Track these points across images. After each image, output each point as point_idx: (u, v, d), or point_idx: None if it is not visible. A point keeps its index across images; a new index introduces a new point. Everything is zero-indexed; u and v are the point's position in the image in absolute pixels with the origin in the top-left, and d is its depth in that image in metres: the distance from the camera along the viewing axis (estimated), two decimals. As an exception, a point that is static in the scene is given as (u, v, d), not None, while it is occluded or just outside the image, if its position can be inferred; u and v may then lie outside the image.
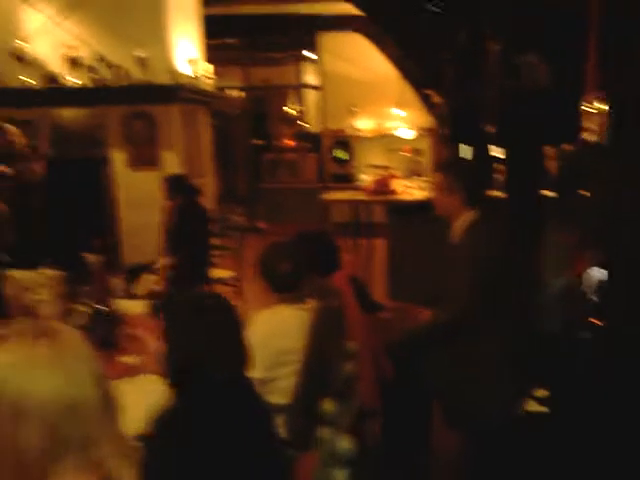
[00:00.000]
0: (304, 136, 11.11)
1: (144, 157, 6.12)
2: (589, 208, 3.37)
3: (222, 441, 1.39)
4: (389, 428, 2.70)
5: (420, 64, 6.82)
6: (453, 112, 5.53)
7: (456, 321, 2.70)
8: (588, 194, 3.38)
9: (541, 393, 3.05)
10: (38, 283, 2.52)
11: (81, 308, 2.84)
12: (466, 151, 4.90)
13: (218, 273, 5.26)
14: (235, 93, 10.92)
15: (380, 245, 5.93)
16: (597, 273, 3.26)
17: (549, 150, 3.77)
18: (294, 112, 11.98)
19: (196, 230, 4.81)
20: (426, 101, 8.83)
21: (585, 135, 3.39)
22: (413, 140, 9.39)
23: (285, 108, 12.07)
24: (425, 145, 9.40)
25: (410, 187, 5.87)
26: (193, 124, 6.55)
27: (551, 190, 4.21)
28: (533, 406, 2.99)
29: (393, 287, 5.33)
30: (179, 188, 4.78)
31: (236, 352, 1.54)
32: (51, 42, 5.89)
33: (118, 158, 6.11)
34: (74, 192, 5.80)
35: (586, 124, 3.38)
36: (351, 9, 7.09)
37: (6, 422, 0.98)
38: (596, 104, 3.28)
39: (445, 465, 3.06)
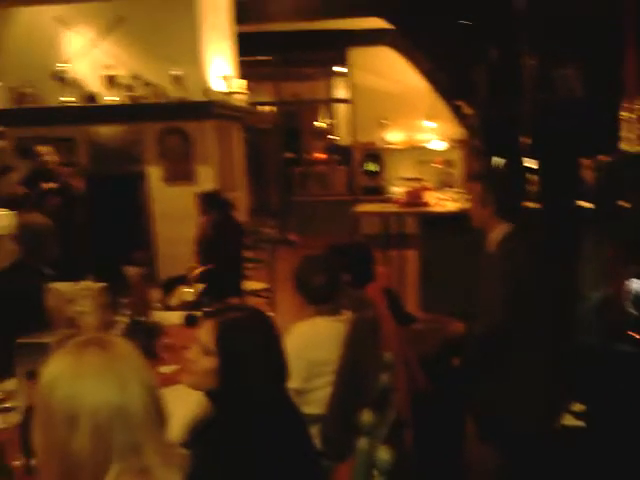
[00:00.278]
0: (335, 149, 11.20)
1: (179, 172, 6.24)
2: (628, 219, 3.32)
3: (262, 452, 1.42)
4: (421, 440, 2.69)
5: (451, 76, 6.83)
6: (486, 124, 5.52)
7: (491, 333, 2.68)
8: (627, 205, 3.33)
9: (578, 407, 3.01)
10: (80, 295, 2.59)
11: (121, 319, 2.93)
12: (499, 163, 4.89)
13: (251, 285, 5.32)
14: (267, 108, 11.07)
15: (411, 257, 5.93)
16: (636, 285, 3.21)
17: (586, 161, 3.73)
18: (325, 126, 12.08)
19: (230, 243, 4.89)
20: (457, 113, 8.82)
21: (623, 145, 3.35)
22: (444, 152, 9.38)
23: (316, 122, 12.18)
24: (456, 157, 9.37)
25: (442, 199, 5.85)
26: (226, 139, 6.67)
27: (588, 201, 4.16)
28: (570, 420, 2.94)
29: (425, 299, 5.32)
30: (213, 203, 4.87)
31: (277, 364, 1.57)
32: (90, 63, 6.10)
33: (154, 173, 6.25)
34: (112, 207, 5.96)
35: (624, 133, 3.34)
36: (381, 23, 7.17)
37: (59, 427, 1.02)
38: (636, 112, 3.24)
39: (479, 479, 3.03)
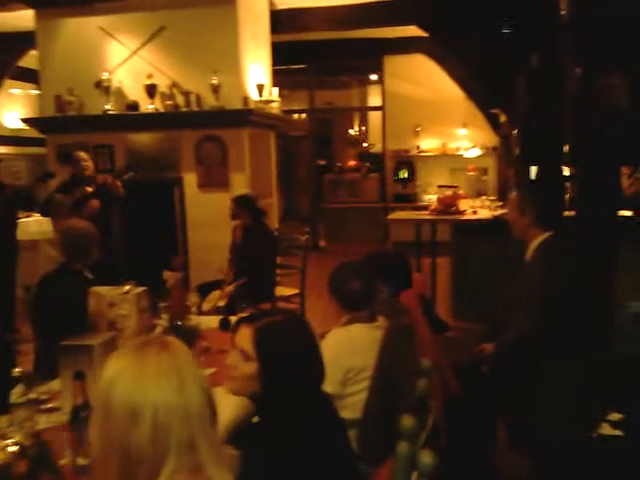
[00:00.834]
0: (367, 157, 11.23)
1: (214, 179, 6.34)
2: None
3: (305, 454, 1.45)
4: (454, 446, 2.69)
5: (487, 84, 6.80)
6: (524, 132, 5.48)
7: (525, 340, 2.67)
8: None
9: (616, 416, 2.96)
10: (121, 299, 2.67)
11: (160, 323, 3.00)
12: (537, 171, 4.86)
13: (282, 291, 5.36)
14: (300, 116, 11.17)
15: (443, 264, 5.90)
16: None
17: (625, 169, 3.69)
18: (357, 133, 12.12)
19: (261, 249, 4.93)
20: (492, 121, 8.77)
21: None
22: (477, 159, 9.33)
23: (349, 130, 12.23)
24: (490, 164, 9.31)
25: (476, 206, 5.82)
26: (260, 146, 6.75)
27: (627, 209, 4.10)
28: (607, 429, 2.91)
29: (456, 306, 5.30)
30: (246, 208, 4.92)
31: (315, 367, 1.60)
32: (131, 72, 6.25)
33: (189, 180, 6.36)
34: (148, 212, 6.09)
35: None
36: (417, 31, 7.17)
37: (119, 425, 1.07)
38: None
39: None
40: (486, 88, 7.37)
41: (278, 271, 5.34)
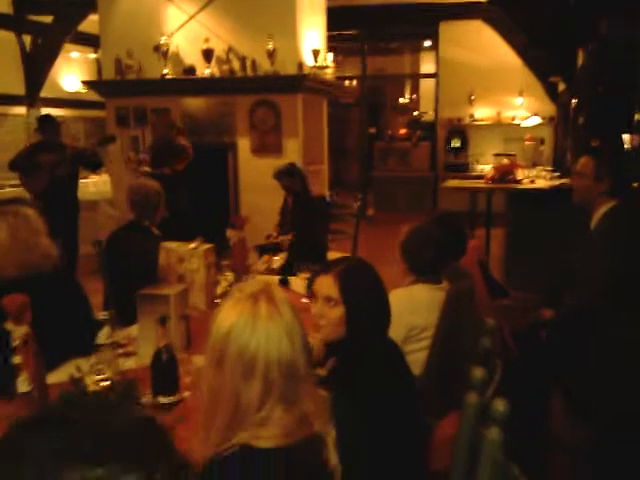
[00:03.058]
0: (418, 125, 11.09)
1: (268, 144, 6.40)
2: None
3: (387, 394, 1.53)
4: (510, 411, 2.73)
5: (547, 51, 6.60)
6: (589, 101, 5.32)
7: (587, 309, 2.67)
8: None
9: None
10: (190, 254, 2.78)
11: (226, 278, 3.11)
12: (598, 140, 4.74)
13: (333, 256, 5.43)
14: (352, 82, 11.07)
15: (496, 235, 5.86)
16: None
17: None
18: (408, 101, 11.96)
19: (312, 214, 5.00)
20: (550, 89, 8.53)
21: None
22: (533, 129, 9.12)
23: (400, 98, 12.07)
24: (546, 134, 9.09)
25: (532, 176, 5.73)
26: (313, 113, 6.77)
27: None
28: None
29: (510, 276, 5.27)
30: (292, 176, 4.98)
31: (387, 315, 1.68)
32: (189, 36, 6.32)
33: (244, 145, 6.44)
34: (205, 176, 6.21)
35: None
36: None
37: (233, 377, 1.13)
38: None
39: (567, 453, 3.03)
40: (546, 55, 7.16)
41: (331, 237, 5.41)
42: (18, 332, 1.62)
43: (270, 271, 4.64)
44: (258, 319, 1.13)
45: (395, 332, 2.17)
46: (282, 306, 1.17)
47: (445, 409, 2.06)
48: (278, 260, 4.87)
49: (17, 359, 1.55)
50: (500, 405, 1.31)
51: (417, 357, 2.32)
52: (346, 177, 12.31)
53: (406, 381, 1.69)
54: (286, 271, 4.01)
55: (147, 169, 5.22)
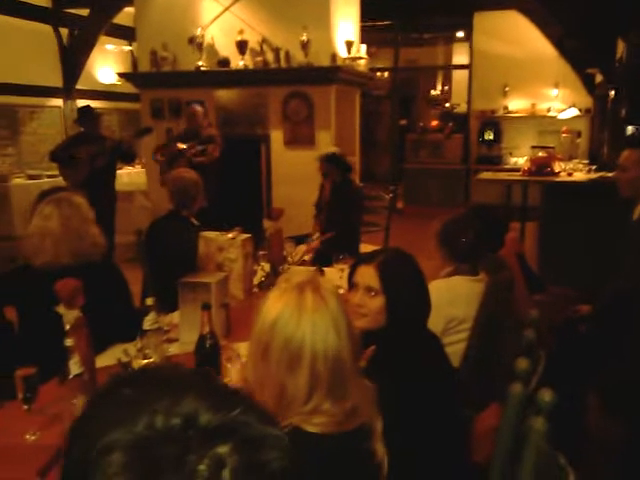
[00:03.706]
0: (451, 117, 10.98)
1: (300, 136, 6.42)
2: None
3: (428, 383, 1.54)
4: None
5: (584, 42, 6.47)
6: (629, 92, 5.20)
7: (627, 303, 2.63)
8: None
9: None
10: (229, 244, 2.82)
11: (262, 268, 3.15)
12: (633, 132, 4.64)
13: (365, 248, 5.44)
14: (384, 74, 11.02)
15: (531, 228, 5.79)
16: None
17: None
18: (441, 93, 11.85)
19: (350, 206, 5.00)
20: (586, 81, 8.37)
21: None
22: (568, 121, 8.96)
23: (432, 89, 11.97)
24: (583, 126, 8.93)
25: (569, 169, 5.63)
26: (346, 104, 6.76)
27: None
28: None
29: (545, 269, 5.21)
30: (335, 165, 4.98)
31: (427, 305, 1.70)
32: (223, 28, 6.36)
33: (276, 136, 6.47)
34: (238, 168, 6.27)
35: None
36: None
37: (279, 367, 1.13)
38: None
39: (601, 450, 3.00)
40: (583, 46, 7.02)
41: (364, 229, 5.41)
42: (70, 316, 1.67)
43: (302, 263, 4.68)
44: (304, 310, 1.14)
45: (434, 323, 2.18)
46: (329, 297, 1.17)
47: (484, 401, 2.06)
48: (309, 253, 4.91)
49: (69, 342, 1.60)
50: (546, 395, 1.32)
51: (455, 349, 2.32)
52: (377, 169, 12.27)
53: (446, 372, 1.71)
54: (321, 261, 4.04)
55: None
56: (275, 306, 1.16)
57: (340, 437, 1.14)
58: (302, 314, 1.13)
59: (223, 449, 0.50)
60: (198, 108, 5.63)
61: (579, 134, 8.83)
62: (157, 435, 0.50)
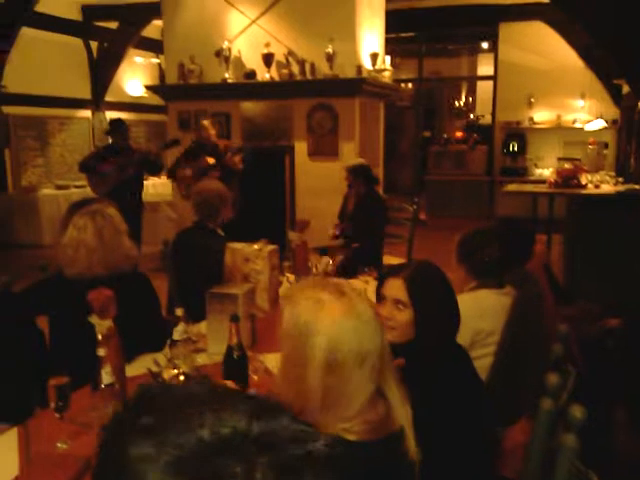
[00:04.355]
0: (475, 128, 10.95)
1: (324, 147, 6.45)
2: None
3: (457, 396, 1.54)
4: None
5: (612, 52, 6.41)
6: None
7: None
8: None
9: None
10: (256, 255, 2.85)
11: (287, 279, 3.17)
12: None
13: (388, 260, 5.43)
14: (408, 85, 11.03)
15: (556, 240, 5.73)
16: None
17: None
18: (465, 104, 11.82)
19: (374, 218, 5.00)
20: (613, 92, 8.29)
21: None
22: (595, 133, 8.86)
23: (455, 100, 11.95)
24: (609, 138, 8.82)
25: (597, 181, 5.58)
26: (370, 116, 6.78)
27: None
28: None
29: (571, 283, 5.14)
30: (362, 177, 4.99)
31: (456, 319, 1.69)
32: (249, 41, 6.44)
33: (300, 148, 6.51)
34: (262, 179, 6.32)
35: None
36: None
37: (319, 371, 1.12)
38: None
39: (626, 468, 2.94)
40: (611, 57, 6.95)
41: (387, 240, 5.40)
42: (102, 326, 1.70)
43: (328, 273, 4.69)
44: (341, 314, 1.13)
45: (461, 336, 2.16)
46: (363, 302, 1.18)
47: (512, 416, 2.05)
48: (332, 263, 4.91)
49: (101, 352, 1.63)
50: (578, 411, 1.31)
51: (483, 363, 2.30)
52: (398, 180, 12.26)
53: (475, 386, 1.70)
54: (345, 273, 4.05)
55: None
56: (311, 310, 1.14)
57: (379, 442, 1.15)
58: (338, 318, 1.13)
59: (268, 458, 0.51)
60: (206, 123, 5.73)
61: (606, 145, 8.73)
62: (209, 446, 0.52)
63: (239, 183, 5.52)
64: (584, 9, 6.13)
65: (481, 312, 2.33)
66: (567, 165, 5.85)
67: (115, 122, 5.93)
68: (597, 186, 5.35)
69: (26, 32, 7.78)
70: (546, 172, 8.27)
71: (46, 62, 8.65)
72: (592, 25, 6.25)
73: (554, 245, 5.79)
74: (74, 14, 9.05)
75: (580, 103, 8.97)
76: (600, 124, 8.60)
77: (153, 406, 0.60)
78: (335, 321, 1.12)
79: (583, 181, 5.25)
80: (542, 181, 6.52)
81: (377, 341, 1.15)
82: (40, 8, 7.69)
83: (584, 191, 5.22)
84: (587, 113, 8.99)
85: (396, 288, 1.67)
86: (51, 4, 8.05)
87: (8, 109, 8.25)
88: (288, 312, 1.17)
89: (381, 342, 1.16)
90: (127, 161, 5.49)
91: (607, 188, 5.32)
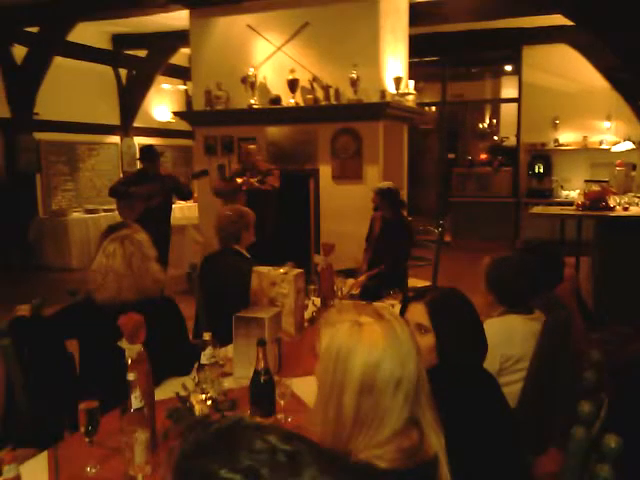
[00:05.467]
0: (499, 150, 10.90)
1: (348, 171, 6.49)
2: None
3: (483, 422, 1.52)
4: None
5: (638, 73, 6.37)
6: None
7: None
8: None
9: None
10: (282, 278, 2.86)
11: (313, 303, 3.17)
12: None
13: (413, 282, 5.40)
14: (431, 108, 11.07)
15: (585, 263, 5.65)
16: None
17: None
18: (489, 126, 11.80)
19: (400, 241, 4.99)
20: (640, 113, 8.21)
21: None
22: (621, 154, 8.76)
23: (479, 123, 11.93)
24: (637, 159, 8.71)
25: (625, 203, 5.50)
26: (394, 139, 6.81)
27: None
28: None
29: (599, 306, 5.06)
30: (388, 200, 4.99)
31: (482, 345, 1.67)
32: (275, 67, 6.56)
33: (325, 172, 6.56)
34: (287, 202, 6.38)
35: None
36: (560, 20, 6.87)
37: (350, 395, 1.11)
38: None
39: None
40: (636, 78, 6.90)
41: (412, 263, 5.39)
42: (132, 351, 1.72)
43: (350, 297, 4.68)
44: (379, 337, 1.13)
45: (489, 363, 2.14)
46: (402, 326, 1.18)
47: (542, 444, 2.01)
48: (357, 287, 4.90)
49: (131, 376, 1.64)
50: (612, 441, 1.28)
51: (512, 389, 2.27)
52: (422, 203, 12.23)
53: (504, 414, 1.67)
54: (370, 296, 4.04)
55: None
56: (346, 335, 1.14)
57: (413, 471, 1.13)
58: (375, 342, 1.12)
59: None
60: (252, 146, 5.84)
61: (634, 167, 8.62)
62: None
63: (277, 202, 5.62)
64: (610, 30, 6.13)
65: (510, 338, 2.30)
66: (595, 187, 5.79)
67: (147, 149, 6.03)
68: (626, 208, 5.27)
69: (58, 61, 8.03)
70: (573, 194, 8.19)
71: (76, 89, 8.89)
72: (617, 46, 6.24)
73: (582, 268, 5.71)
74: (104, 43, 9.31)
75: (606, 125, 8.90)
76: (628, 146, 8.50)
77: None
78: (373, 344, 1.12)
79: (611, 203, 5.19)
80: (569, 203, 6.45)
81: (413, 366, 1.14)
82: (72, 37, 7.94)
83: (612, 213, 5.15)
84: (614, 134, 8.90)
85: (418, 312, 1.67)
86: (83, 34, 8.30)
87: (39, 135, 8.48)
88: (326, 334, 1.18)
89: (417, 367, 1.15)
90: (156, 189, 5.58)
91: (636, 210, 5.24)
